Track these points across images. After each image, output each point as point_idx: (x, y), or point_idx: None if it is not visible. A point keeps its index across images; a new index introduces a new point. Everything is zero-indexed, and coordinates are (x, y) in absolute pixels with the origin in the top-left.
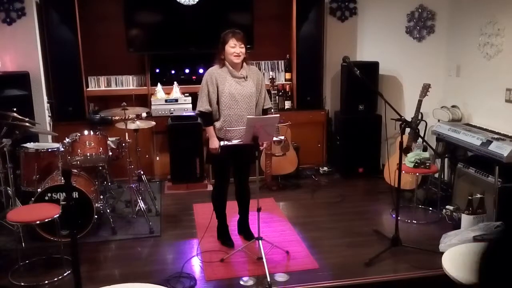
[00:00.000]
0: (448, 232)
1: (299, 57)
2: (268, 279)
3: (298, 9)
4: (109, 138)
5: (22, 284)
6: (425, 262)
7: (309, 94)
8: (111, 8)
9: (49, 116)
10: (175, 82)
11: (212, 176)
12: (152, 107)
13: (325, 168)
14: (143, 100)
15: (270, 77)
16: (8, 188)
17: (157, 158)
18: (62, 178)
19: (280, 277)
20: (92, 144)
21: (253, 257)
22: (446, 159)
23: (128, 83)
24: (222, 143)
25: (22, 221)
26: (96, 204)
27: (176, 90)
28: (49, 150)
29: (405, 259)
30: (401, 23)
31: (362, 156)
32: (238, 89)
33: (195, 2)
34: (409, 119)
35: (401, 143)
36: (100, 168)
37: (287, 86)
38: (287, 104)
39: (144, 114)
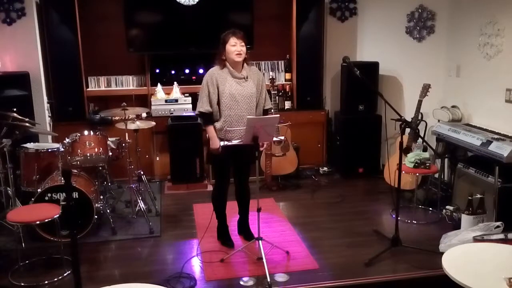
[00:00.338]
0: (448, 232)
1: (299, 57)
2: (268, 279)
3: (298, 9)
4: (109, 138)
5: (22, 284)
6: (425, 262)
7: (309, 94)
8: (111, 8)
9: (49, 116)
10: (175, 82)
11: (212, 176)
12: (152, 107)
13: (325, 168)
14: (143, 100)
15: (270, 77)
16: (8, 188)
17: (157, 158)
18: (62, 178)
19: (280, 277)
20: (92, 144)
21: (253, 257)
22: (446, 159)
23: (128, 83)
24: (222, 143)
25: (22, 221)
26: (96, 204)
27: (176, 90)
28: (49, 150)
29: (405, 259)
30: (401, 23)
31: (362, 156)
32: (238, 89)
33: (195, 2)
34: (409, 119)
35: (401, 143)
36: (100, 168)
37: (287, 86)
38: (287, 104)
39: (144, 114)
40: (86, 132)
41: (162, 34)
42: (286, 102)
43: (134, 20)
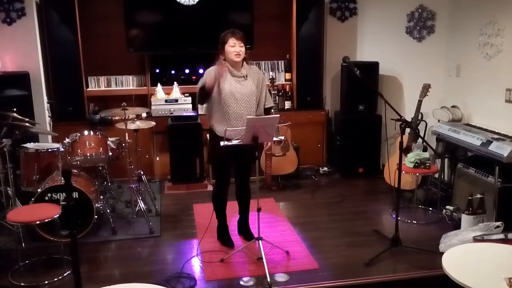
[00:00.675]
0: (448, 232)
1: (299, 57)
2: (268, 279)
3: (298, 9)
4: (109, 138)
5: (22, 284)
6: (425, 262)
7: (309, 94)
8: (111, 8)
9: (49, 116)
10: (175, 82)
11: (212, 176)
12: (152, 107)
13: (325, 168)
14: (143, 100)
15: (270, 77)
16: (8, 188)
17: (157, 158)
18: (62, 178)
19: (280, 277)
20: (92, 144)
21: (253, 257)
22: (446, 159)
23: (128, 83)
24: (222, 143)
25: (22, 221)
26: (96, 204)
27: (176, 90)
28: (49, 150)
29: (405, 259)
30: (401, 23)
31: (362, 156)
32: (238, 87)
33: (195, 2)
34: (409, 119)
35: (401, 143)
36: (100, 168)
37: (287, 86)
38: (287, 104)
39: (144, 114)
40: (86, 132)
41: (162, 34)
42: (286, 102)
43: (134, 20)
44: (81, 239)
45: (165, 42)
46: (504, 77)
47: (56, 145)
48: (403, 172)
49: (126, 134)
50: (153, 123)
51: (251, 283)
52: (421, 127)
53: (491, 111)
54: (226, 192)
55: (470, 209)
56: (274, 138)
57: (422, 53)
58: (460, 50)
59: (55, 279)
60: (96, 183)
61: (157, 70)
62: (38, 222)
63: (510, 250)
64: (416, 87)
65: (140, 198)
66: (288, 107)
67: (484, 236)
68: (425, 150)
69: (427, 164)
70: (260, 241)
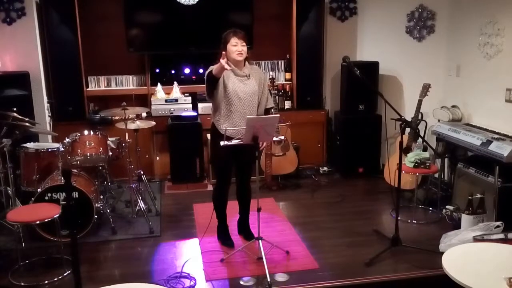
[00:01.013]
0: (448, 232)
1: (299, 57)
2: (268, 279)
3: (298, 9)
4: (109, 138)
5: (22, 284)
6: (425, 262)
7: (309, 94)
8: (111, 8)
9: (49, 116)
10: (175, 82)
11: (213, 176)
12: (152, 107)
13: (325, 168)
14: (143, 100)
15: (270, 77)
16: (8, 188)
17: (157, 158)
18: (62, 178)
19: (280, 277)
20: (92, 144)
21: (253, 257)
22: (446, 159)
23: (128, 83)
24: (222, 143)
25: (22, 221)
26: (96, 204)
27: (176, 90)
28: (49, 150)
29: (405, 259)
30: (401, 23)
31: (362, 156)
32: (241, 87)
33: (195, 2)
34: (409, 119)
35: (401, 143)
36: (100, 168)
37: (287, 86)
38: (287, 104)
39: (144, 114)
40: (86, 132)
41: (162, 34)
42: (286, 102)
43: (134, 20)
44: (81, 239)
45: (165, 42)
46: (504, 77)
47: (56, 145)
48: (403, 172)
49: (126, 134)
50: (153, 123)
51: (251, 283)
52: (421, 127)
53: (491, 111)
54: (226, 192)
55: (470, 209)
56: (274, 138)
57: (422, 53)
58: (460, 50)
59: (55, 279)
60: (96, 183)
61: (157, 70)
62: (38, 222)
63: (510, 250)
64: (416, 87)
65: (140, 198)
66: (288, 107)
67: (484, 236)
68: (425, 150)
69: (427, 164)
70: (260, 241)
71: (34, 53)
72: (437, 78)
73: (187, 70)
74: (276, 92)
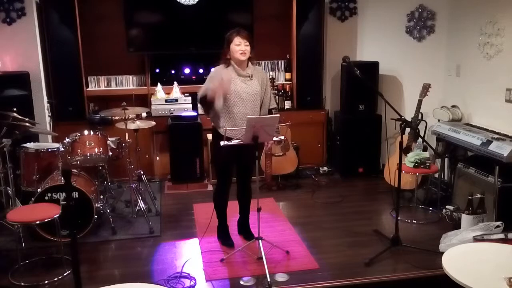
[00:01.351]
0: (448, 232)
1: (299, 57)
2: (268, 279)
3: (298, 9)
4: (109, 138)
5: (22, 284)
6: (425, 262)
7: (309, 94)
8: (111, 8)
9: (49, 116)
10: (175, 82)
11: (213, 176)
12: (152, 107)
13: (325, 168)
14: (143, 100)
15: (270, 77)
16: (8, 188)
17: (157, 158)
18: (62, 178)
19: (280, 277)
20: (92, 144)
21: (253, 257)
22: (446, 159)
23: (128, 83)
24: (222, 143)
25: (22, 221)
26: (96, 204)
27: (176, 90)
28: (49, 150)
29: (405, 259)
30: (401, 23)
31: (362, 156)
32: (243, 87)
33: (195, 2)
34: (409, 119)
35: (401, 143)
36: (100, 168)
37: (287, 86)
38: (287, 104)
39: (144, 114)
40: (86, 132)
41: (162, 34)
42: (286, 102)
43: (134, 20)
44: (81, 239)
45: (165, 42)
46: (504, 77)
47: (56, 145)
48: (403, 172)
49: (126, 134)
50: (153, 123)
51: (251, 282)
52: (421, 126)
53: (491, 111)
54: (227, 192)
55: (470, 209)
56: (274, 138)
57: (422, 53)
58: (460, 50)
59: (55, 279)
60: (96, 183)
61: (157, 70)
62: (38, 222)
63: (510, 250)
64: (416, 87)
65: (140, 198)
66: (288, 107)
67: (484, 236)
68: (425, 150)
69: (427, 164)
70: (260, 240)
71: (34, 53)
72: (437, 78)
73: (187, 70)
74: (276, 92)
